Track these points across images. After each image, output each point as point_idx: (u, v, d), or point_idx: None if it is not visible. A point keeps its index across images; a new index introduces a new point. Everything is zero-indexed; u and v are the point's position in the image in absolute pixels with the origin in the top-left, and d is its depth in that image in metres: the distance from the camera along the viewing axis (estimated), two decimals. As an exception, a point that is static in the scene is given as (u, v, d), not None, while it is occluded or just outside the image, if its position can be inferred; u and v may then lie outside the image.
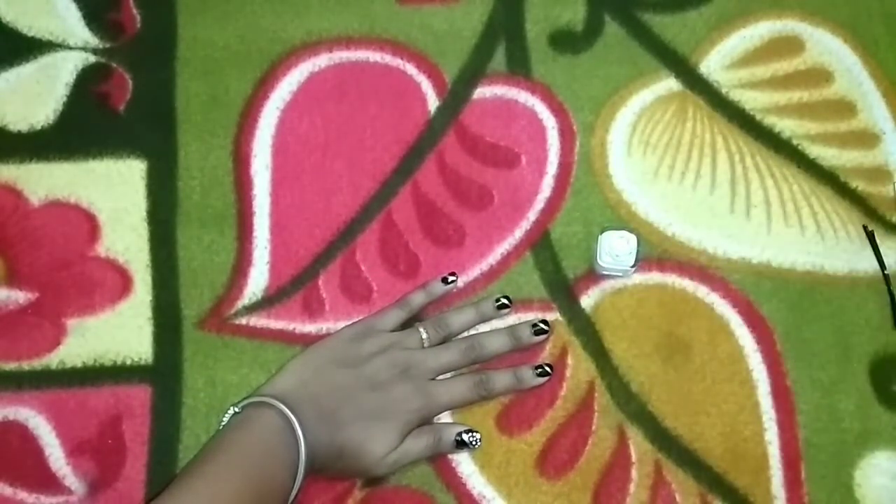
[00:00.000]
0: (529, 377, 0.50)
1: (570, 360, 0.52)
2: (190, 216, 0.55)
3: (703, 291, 0.53)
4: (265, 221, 0.55)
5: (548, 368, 0.50)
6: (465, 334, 0.52)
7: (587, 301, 0.53)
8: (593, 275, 0.54)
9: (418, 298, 0.52)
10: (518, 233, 0.55)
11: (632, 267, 0.52)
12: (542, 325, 0.51)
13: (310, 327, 0.53)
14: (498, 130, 0.57)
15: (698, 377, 0.51)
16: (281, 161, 0.56)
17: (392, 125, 0.57)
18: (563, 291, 0.53)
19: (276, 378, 0.48)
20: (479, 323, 0.52)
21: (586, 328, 0.53)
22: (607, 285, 0.54)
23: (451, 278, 0.52)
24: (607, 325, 0.53)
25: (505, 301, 0.52)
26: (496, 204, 0.55)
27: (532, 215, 0.55)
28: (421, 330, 0.51)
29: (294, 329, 0.53)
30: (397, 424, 0.47)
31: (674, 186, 0.55)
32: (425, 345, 0.50)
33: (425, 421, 0.49)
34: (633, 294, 0.53)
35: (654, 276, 0.54)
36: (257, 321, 0.53)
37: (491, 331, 0.52)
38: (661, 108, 0.57)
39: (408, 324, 0.52)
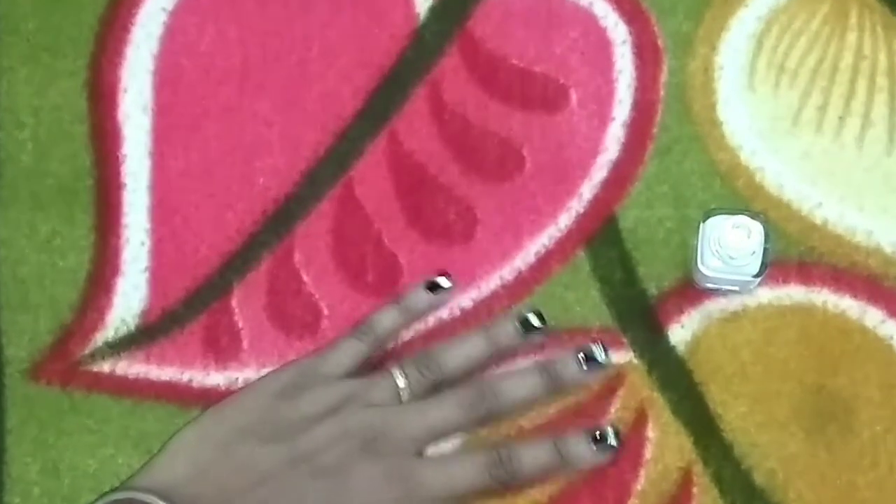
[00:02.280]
0: (581, 451, 0.49)
1: (650, 432, 0.50)
2: (15, 190, 0.54)
3: (874, 317, 0.52)
4: (143, 199, 0.54)
5: (612, 436, 0.49)
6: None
7: (680, 333, 0.52)
8: (690, 288, 0.52)
9: (388, 320, 0.52)
10: (564, 219, 0.53)
11: (755, 276, 0.50)
12: (595, 351, 0.50)
13: (217, 377, 0.52)
14: (531, 47, 0.56)
15: (866, 461, 0.50)
16: (168, 98, 0.56)
17: (355, 38, 0.56)
18: (640, 316, 0.52)
19: (158, 461, 0.46)
20: (490, 358, 0.51)
21: (678, 378, 0.51)
22: (714, 307, 0.52)
23: (441, 281, 0.51)
24: (714, 375, 0.51)
25: (534, 319, 0.51)
26: (528, 171, 0.54)
27: (587, 190, 0.54)
28: (396, 374, 0.49)
29: (190, 380, 0.52)
30: (364, 534, 0.48)
31: (826, 142, 0.54)
32: (404, 398, 0.49)
33: (410, 524, 0.49)
34: (756, 322, 0.52)
35: (794, 292, 0.52)
36: (129, 367, 0.52)
37: (514, 371, 0.51)
38: (805, 8, 0.56)
39: (374, 366, 0.52)
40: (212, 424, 0.47)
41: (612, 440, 0.49)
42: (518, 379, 0.50)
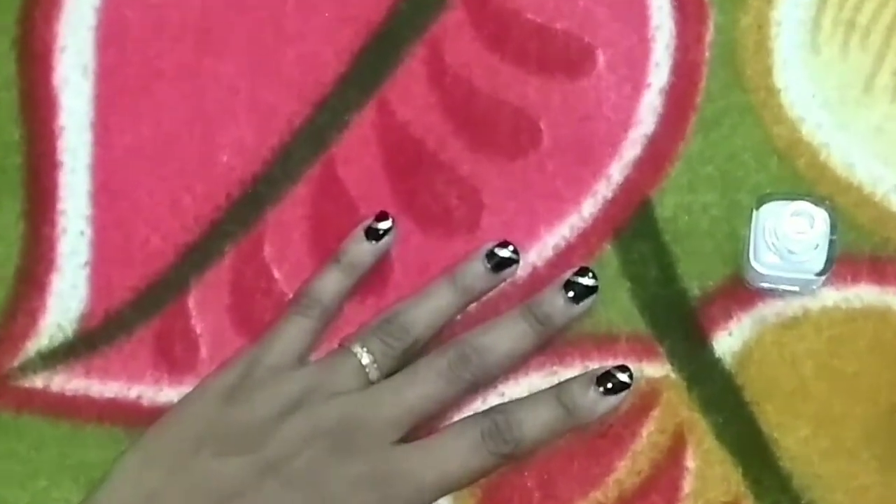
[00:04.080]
0: (589, 399, 0.46)
1: (689, 461, 0.48)
2: (-70, 171, 0.54)
3: (962, 324, 0.49)
4: (82, 181, 0.52)
5: (624, 377, 0.46)
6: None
7: (728, 342, 0.49)
8: (741, 289, 0.50)
9: (332, 283, 0.49)
10: (589, 204, 0.51)
11: (819, 274, 0.46)
12: (618, 377, 0.46)
13: (170, 393, 0.50)
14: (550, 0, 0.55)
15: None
16: (113, 59, 0.53)
17: (339, -11, 0.55)
18: (680, 322, 0.50)
19: (100, 494, 0.45)
20: (463, 307, 0.49)
21: (725, 396, 0.49)
22: (769, 311, 0.49)
23: (380, 225, 0.49)
24: (769, 392, 0.49)
25: (501, 251, 0.48)
26: (545, 147, 0.52)
27: (617, 171, 0.51)
28: (358, 350, 0.47)
29: (139, 397, 0.50)
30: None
31: (906, 113, 0.53)
32: (372, 377, 0.47)
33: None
34: (820, 329, 0.49)
35: (865, 293, 0.49)
36: (66, 382, 0.50)
37: (494, 321, 0.48)
38: (881, -45, 0.54)
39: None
40: (155, 443, 0.45)
41: (623, 378, 0.46)
42: (501, 329, 0.47)
